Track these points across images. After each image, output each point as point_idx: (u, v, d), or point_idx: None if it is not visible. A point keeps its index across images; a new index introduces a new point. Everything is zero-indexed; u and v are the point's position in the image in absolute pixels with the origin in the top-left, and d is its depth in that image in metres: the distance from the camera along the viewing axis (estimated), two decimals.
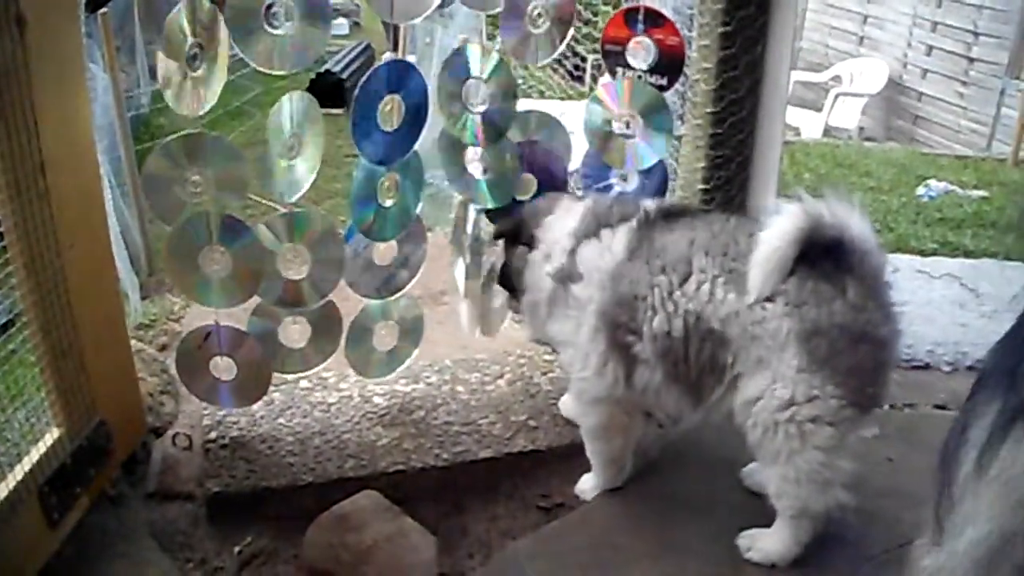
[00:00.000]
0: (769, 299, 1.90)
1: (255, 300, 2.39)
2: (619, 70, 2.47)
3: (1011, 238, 4.60)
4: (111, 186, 4.75)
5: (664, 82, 2.46)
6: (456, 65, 2.41)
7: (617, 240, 2.12)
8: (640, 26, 2.39)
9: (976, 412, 1.43)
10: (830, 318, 1.86)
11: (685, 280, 1.99)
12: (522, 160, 2.51)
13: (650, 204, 2.19)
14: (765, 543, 2.09)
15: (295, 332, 2.49)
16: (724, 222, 2.07)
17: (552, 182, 2.52)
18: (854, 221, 1.87)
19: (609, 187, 2.56)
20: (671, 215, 2.13)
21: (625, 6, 2.45)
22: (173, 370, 2.89)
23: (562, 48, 2.44)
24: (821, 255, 1.88)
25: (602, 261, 2.12)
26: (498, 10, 2.36)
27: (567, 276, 2.17)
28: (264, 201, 2.31)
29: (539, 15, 2.37)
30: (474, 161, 2.49)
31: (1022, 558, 1.32)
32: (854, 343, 1.87)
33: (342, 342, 2.55)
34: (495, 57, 2.39)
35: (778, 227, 1.88)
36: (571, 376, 2.28)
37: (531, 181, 2.54)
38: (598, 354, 2.14)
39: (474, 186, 2.50)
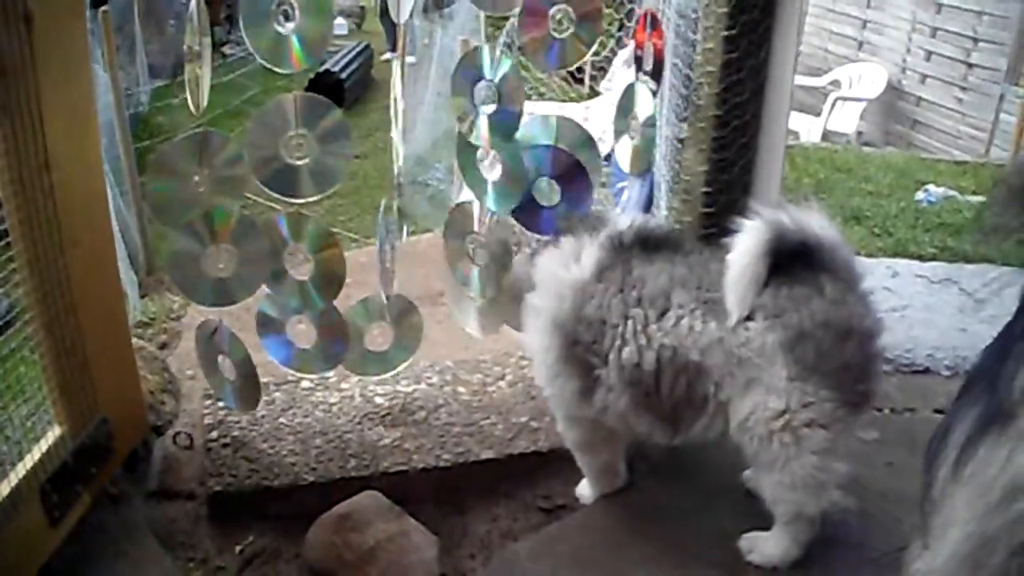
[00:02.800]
0: (749, 318, 1.90)
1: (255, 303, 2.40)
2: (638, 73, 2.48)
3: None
4: (110, 185, 4.74)
5: (655, 87, 2.47)
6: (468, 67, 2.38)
7: (586, 255, 2.08)
8: (649, 30, 2.41)
9: (959, 415, 1.44)
10: (812, 319, 1.86)
11: (663, 315, 1.97)
12: (548, 166, 2.46)
13: (623, 224, 2.13)
14: (766, 546, 2.09)
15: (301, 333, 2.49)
16: (698, 254, 2.06)
17: (578, 191, 2.49)
18: (815, 221, 1.88)
19: (622, 190, 2.57)
20: (649, 243, 2.08)
21: (643, 9, 2.47)
22: (174, 368, 2.90)
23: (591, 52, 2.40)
24: (791, 262, 1.88)
25: (562, 271, 2.09)
26: (508, 12, 2.34)
27: (525, 285, 2.17)
28: (263, 201, 2.31)
29: (561, 19, 2.33)
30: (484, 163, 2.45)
31: (1003, 560, 1.33)
32: (840, 340, 1.86)
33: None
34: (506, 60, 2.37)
35: (742, 244, 1.88)
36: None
37: (555, 188, 2.47)
38: (548, 365, 2.13)
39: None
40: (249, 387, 2.45)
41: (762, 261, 1.87)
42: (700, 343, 1.93)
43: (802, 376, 1.87)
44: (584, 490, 2.39)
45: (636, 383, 2.00)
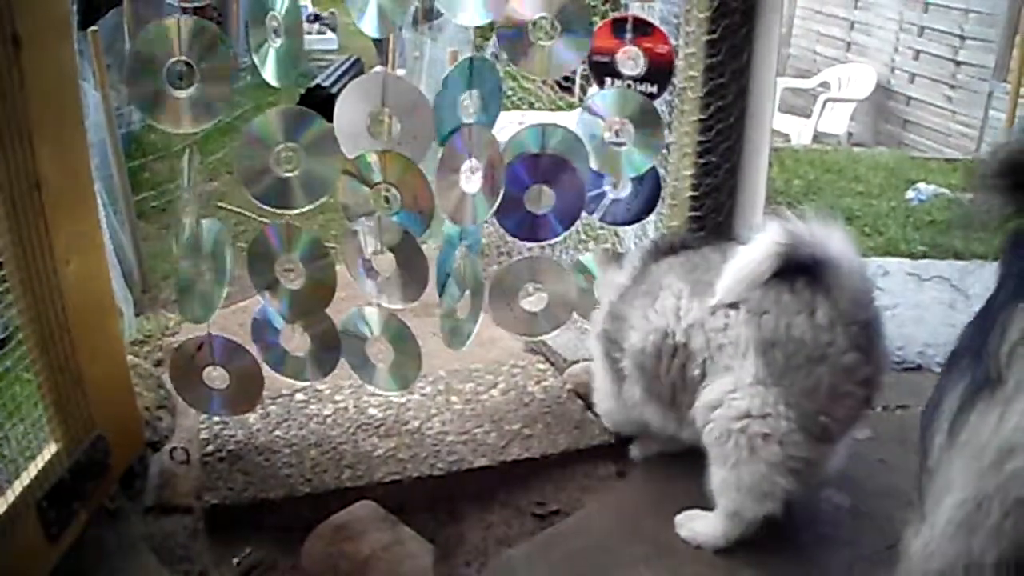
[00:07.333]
0: (733, 306, 1.93)
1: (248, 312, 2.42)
2: (607, 80, 2.49)
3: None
4: (103, 203, 4.76)
5: (654, 90, 2.49)
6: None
7: (628, 264, 2.32)
8: (628, 35, 2.42)
9: (948, 387, 1.46)
10: (788, 331, 1.87)
11: (656, 299, 2.09)
12: (539, 172, 2.50)
13: (659, 238, 2.42)
14: (697, 524, 2.16)
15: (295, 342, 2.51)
16: (703, 248, 2.19)
17: (569, 194, 2.51)
18: (836, 243, 1.88)
19: (602, 195, 2.58)
20: (673, 248, 2.27)
21: (611, 16, 2.48)
22: (169, 385, 2.91)
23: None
24: (797, 273, 1.90)
25: (613, 286, 2.31)
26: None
27: None
28: (251, 215, 2.33)
29: (543, 28, 2.34)
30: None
31: (997, 520, 1.34)
32: (811, 363, 1.87)
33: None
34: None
35: (757, 243, 1.91)
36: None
37: (548, 194, 2.51)
38: (598, 365, 2.33)
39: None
40: (246, 389, 2.49)
41: (767, 264, 1.89)
42: (683, 323, 2.02)
43: (766, 383, 1.90)
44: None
45: (642, 369, 2.12)
